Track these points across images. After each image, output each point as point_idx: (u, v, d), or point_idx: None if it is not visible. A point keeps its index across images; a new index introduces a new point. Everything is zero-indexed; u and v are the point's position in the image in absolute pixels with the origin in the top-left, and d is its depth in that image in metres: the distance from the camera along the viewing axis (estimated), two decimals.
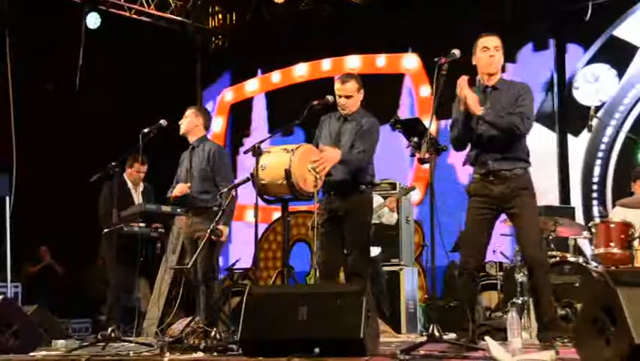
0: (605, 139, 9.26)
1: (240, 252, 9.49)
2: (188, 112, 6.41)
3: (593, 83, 9.27)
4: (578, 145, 9.42)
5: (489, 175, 4.86)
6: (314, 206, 5.37)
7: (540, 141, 9.17)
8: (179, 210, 6.32)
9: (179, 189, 6.22)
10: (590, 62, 9.34)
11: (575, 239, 6.95)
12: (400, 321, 7.53)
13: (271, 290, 5.10)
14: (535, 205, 4.93)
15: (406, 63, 10.38)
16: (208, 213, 6.08)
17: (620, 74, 9.09)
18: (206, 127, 6.48)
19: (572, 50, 9.58)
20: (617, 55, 9.15)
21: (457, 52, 4.73)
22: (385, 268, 7.59)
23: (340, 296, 4.34)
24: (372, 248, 6.32)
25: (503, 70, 5.23)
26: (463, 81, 4.79)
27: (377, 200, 7.13)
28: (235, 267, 8.89)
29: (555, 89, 9.60)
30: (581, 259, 6.43)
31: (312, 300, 4.33)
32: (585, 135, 9.11)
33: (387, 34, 10.21)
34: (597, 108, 6.00)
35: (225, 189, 5.76)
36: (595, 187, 9.34)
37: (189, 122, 6.36)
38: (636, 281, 3.52)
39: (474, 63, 4.99)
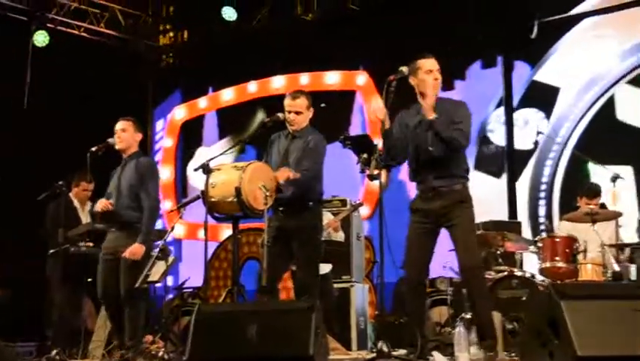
0: (552, 154, 9.45)
1: (191, 270, 9.40)
2: (124, 125, 6.13)
3: (524, 127, 9.49)
4: (527, 155, 9.60)
5: (428, 191, 4.93)
6: (264, 224, 5.35)
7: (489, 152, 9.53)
8: (102, 226, 6.13)
9: (100, 205, 6.02)
10: (518, 107, 9.57)
11: (522, 254, 7.04)
12: (351, 338, 7.52)
13: (220, 309, 5.05)
14: (472, 217, 4.97)
15: (357, 80, 10.45)
16: (133, 229, 5.93)
17: (548, 116, 9.31)
18: (139, 143, 6.30)
19: (520, 67, 9.76)
20: (542, 98, 9.41)
21: (405, 69, 4.82)
22: (336, 285, 7.58)
23: (289, 314, 4.33)
24: (322, 265, 6.32)
25: (452, 87, 5.30)
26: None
27: (327, 217, 7.14)
28: (185, 286, 8.79)
29: (504, 105, 9.78)
30: (527, 274, 6.50)
31: (262, 318, 4.32)
32: (532, 150, 9.31)
33: (338, 51, 10.29)
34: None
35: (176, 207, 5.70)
36: (542, 202, 9.52)
37: (129, 137, 6.12)
38: (579, 294, 3.59)
39: (413, 84, 4.99)
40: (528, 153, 9.46)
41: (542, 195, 9.51)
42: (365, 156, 4.85)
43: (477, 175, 9.49)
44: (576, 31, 9.40)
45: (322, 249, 5.83)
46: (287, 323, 4.25)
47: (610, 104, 9.08)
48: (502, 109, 9.70)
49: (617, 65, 9.09)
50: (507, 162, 9.58)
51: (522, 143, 9.50)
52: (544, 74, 9.49)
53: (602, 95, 9.12)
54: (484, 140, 9.74)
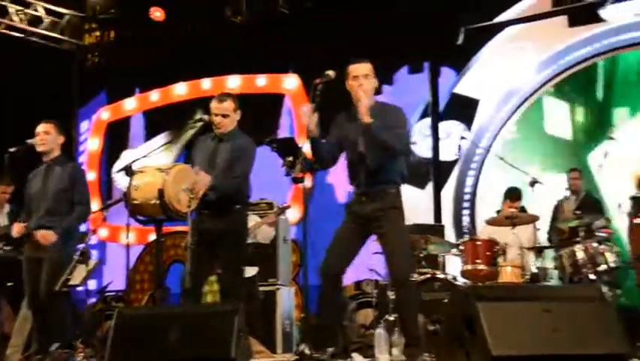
0: (474, 165, 9.66)
1: (115, 274, 9.27)
2: (47, 127, 6.00)
3: (446, 139, 9.68)
4: (451, 165, 9.80)
5: (362, 194, 4.95)
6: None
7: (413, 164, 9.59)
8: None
9: (16, 231, 5.91)
10: (441, 119, 9.76)
11: (445, 256, 7.17)
12: (276, 341, 7.53)
13: (141, 312, 4.99)
14: (403, 223, 5.00)
15: (286, 83, 10.47)
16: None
17: (469, 127, 9.54)
18: (63, 145, 6.18)
19: (446, 73, 9.94)
20: (463, 110, 9.63)
21: (331, 73, 4.82)
22: (262, 288, 7.58)
23: (212, 317, 4.31)
24: (248, 268, 6.31)
25: (379, 92, 5.32)
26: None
27: (254, 219, 7.14)
28: (108, 289, 8.65)
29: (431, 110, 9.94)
30: (449, 276, 6.62)
31: (183, 321, 4.28)
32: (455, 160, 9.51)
33: (267, 54, 10.28)
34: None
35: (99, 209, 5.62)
36: (465, 206, 9.72)
37: (51, 140, 5.99)
38: (495, 296, 3.68)
39: (348, 89, 5.02)
40: (451, 164, 9.68)
41: (466, 199, 9.72)
42: (290, 159, 4.85)
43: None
44: (494, 43, 9.66)
45: (247, 252, 5.82)
46: (209, 325, 4.23)
47: (530, 113, 9.38)
48: (424, 121, 9.85)
49: (534, 77, 9.38)
50: (433, 169, 9.73)
51: (445, 154, 9.69)
52: (464, 87, 9.72)
53: (520, 105, 9.40)
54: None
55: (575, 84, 9.29)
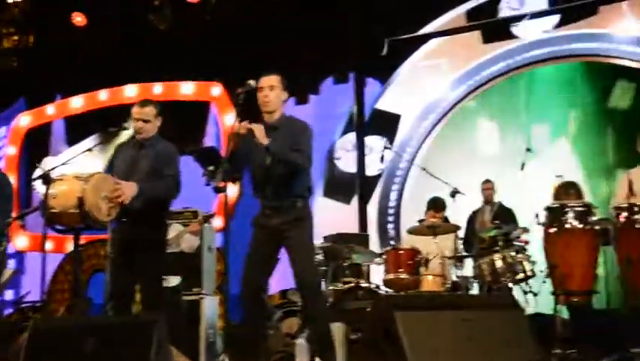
0: (399, 172, 9.79)
1: (34, 284, 9.02)
2: None
3: (369, 154, 9.83)
4: (375, 178, 9.91)
5: (267, 208, 4.97)
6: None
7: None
8: None
9: None
10: (365, 133, 9.91)
11: (369, 266, 7.22)
12: (199, 351, 7.44)
13: (56, 323, 4.87)
14: (310, 236, 5.03)
15: (212, 91, 10.40)
16: None
17: (391, 142, 9.62)
18: None
19: (371, 83, 10.05)
20: (384, 125, 9.79)
21: (252, 82, 4.86)
22: (186, 298, 7.48)
23: (131, 328, 4.23)
24: (171, 277, 6.23)
25: (306, 101, 5.35)
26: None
27: (177, 228, 7.05)
28: (25, 300, 8.41)
29: (355, 120, 10.03)
30: (372, 285, 6.67)
31: (100, 332, 4.19)
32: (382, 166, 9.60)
33: (193, 61, 10.19)
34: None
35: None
36: (390, 217, 9.83)
37: None
38: (414, 305, 3.72)
39: None
40: (375, 178, 9.82)
41: (391, 206, 9.83)
42: (211, 168, 4.82)
43: (327, 202, 9.82)
44: (412, 60, 9.87)
45: (168, 261, 5.74)
46: (127, 336, 4.14)
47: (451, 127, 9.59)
48: (347, 137, 9.97)
49: (449, 93, 9.64)
50: (358, 180, 9.81)
51: (369, 169, 9.82)
52: (386, 102, 9.86)
53: (439, 121, 9.61)
54: (331, 165, 9.96)
55: (497, 97, 9.53)
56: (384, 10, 9.53)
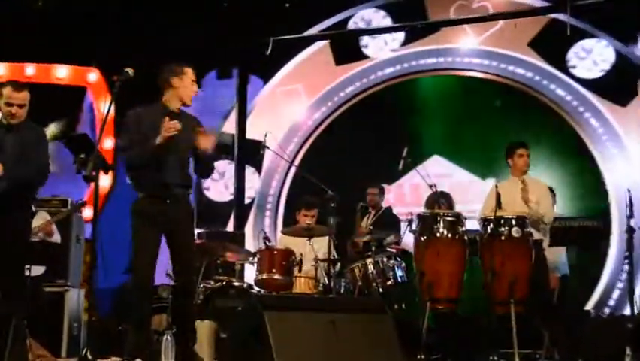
0: (280, 169, 9.80)
1: None
2: None
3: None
4: (255, 176, 9.89)
5: (166, 196, 4.94)
6: None
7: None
8: None
9: None
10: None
11: (242, 264, 7.16)
12: (62, 344, 7.18)
13: None
14: (193, 228, 5.15)
15: (88, 77, 10.06)
16: None
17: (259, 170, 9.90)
18: None
19: (254, 80, 10.04)
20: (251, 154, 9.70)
21: (130, 71, 4.79)
22: (49, 289, 7.20)
23: None
24: (34, 267, 5.98)
25: None
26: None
27: (43, 217, 6.79)
28: None
29: (236, 116, 9.97)
30: (245, 284, 6.61)
31: None
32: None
33: (70, 45, 9.81)
34: (408, 152, 6.38)
35: None
36: (267, 215, 9.83)
37: None
38: (283, 305, 3.71)
39: (175, 86, 5.16)
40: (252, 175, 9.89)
41: (268, 208, 9.83)
42: (82, 156, 4.66)
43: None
44: (269, 88, 10.05)
45: (31, 250, 5.50)
46: None
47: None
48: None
49: (307, 117, 9.90)
50: (235, 177, 9.77)
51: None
52: (250, 131, 9.88)
53: (303, 145, 9.77)
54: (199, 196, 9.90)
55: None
56: (269, 10, 9.53)
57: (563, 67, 9.13)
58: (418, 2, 9.63)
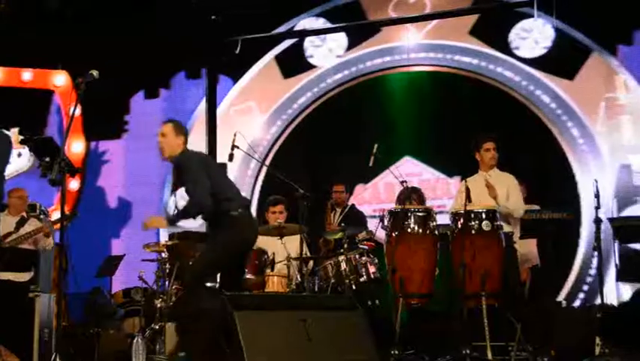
0: (250, 172, 9.78)
1: None
2: None
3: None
4: (229, 174, 9.84)
5: None
6: None
7: None
8: None
9: None
10: None
11: None
12: (33, 350, 7.09)
13: None
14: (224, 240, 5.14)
15: (55, 80, 9.96)
16: None
17: None
18: None
19: (223, 80, 10.03)
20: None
21: (95, 72, 4.80)
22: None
23: None
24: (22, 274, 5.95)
25: (157, 95, 5.31)
26: None
27: (35, 224, 6.88)
28: None
29: (206, 116, 9.94)
30: (217, 285, 6.58)
31: None
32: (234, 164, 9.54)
33: (36, 47, 9.71)
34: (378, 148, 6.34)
35: None
36: None
37: None
38: (254, 305, 3.69)
39: None
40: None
41: None
42: (47, 160, 4.61)
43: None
44: (222, 109, 10.08)
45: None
46: None
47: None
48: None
49: (264, 132, 9.94)
50: None
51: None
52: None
53: (265, 158, 9.72)
54: None
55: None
56: (239, 10, 9.50)
57: (507, 50, 9.21)
58: (356, 5, 9.76)
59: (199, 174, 5.04)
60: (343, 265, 6.59)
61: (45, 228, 7.01)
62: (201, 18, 9.57)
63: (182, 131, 5.22)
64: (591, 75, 8.82)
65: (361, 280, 6.58)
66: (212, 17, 9.60)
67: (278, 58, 10.01)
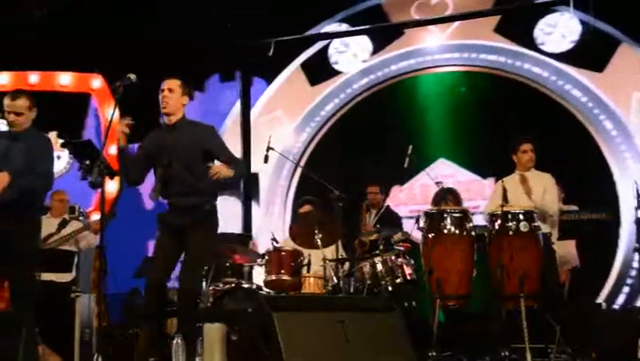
0: (285, 172, 9.80)
1: None
2: None
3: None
4: (262, 177, 9.89)
5: (174, 207, 5.03)
6: None
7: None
8: None
9: None
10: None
11: (251, 266, 7.15)
12: (74, 350, 7.20)
13: None
14: (209, 241, 5.11)
15: (92, 83, 10.08)
16: None
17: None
18: None
19: (256, 82, 10.09)
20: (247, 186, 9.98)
21: (132, 76, 4.83)
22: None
23: None
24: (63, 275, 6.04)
25: (192, 98, 5.32)
26: None
27: (77, 225, 7.19)
28: None
29: (240, 118, 10.00)
30: (254, 286, 6.61)
31: None
32: (267, 168, 9.58)
33: (72, 52, 9.82)
34: (413, 149, 6.36)
35: None
36: (276, 215, 9.84)
37: None
38: (292, 306, 3.70)
39: None
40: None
41: (276, 209, 9.84)
42: (87, 162, 4.68)
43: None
44: (252, 115, 10.16)
45: (38, 257, 5.52)
46: None
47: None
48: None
49: (294, 140, 9.98)
50: (243, 180, 9.75)
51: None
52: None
53: (295, 171, 9.81)
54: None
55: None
56: (270, 12, 9.54)
57: (532, 46, 9.15)
58: (378, 9, 9.78)
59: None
60: (379, 267, 6.56)
61: (94, 224, 7.16)
62: (233, 21, 9.61)
63: (187, 91, 5.15)
64: (620, 66, 8.72)
65: (397, 281, 6.54)
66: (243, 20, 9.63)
67: (304, 65, 10.05)
